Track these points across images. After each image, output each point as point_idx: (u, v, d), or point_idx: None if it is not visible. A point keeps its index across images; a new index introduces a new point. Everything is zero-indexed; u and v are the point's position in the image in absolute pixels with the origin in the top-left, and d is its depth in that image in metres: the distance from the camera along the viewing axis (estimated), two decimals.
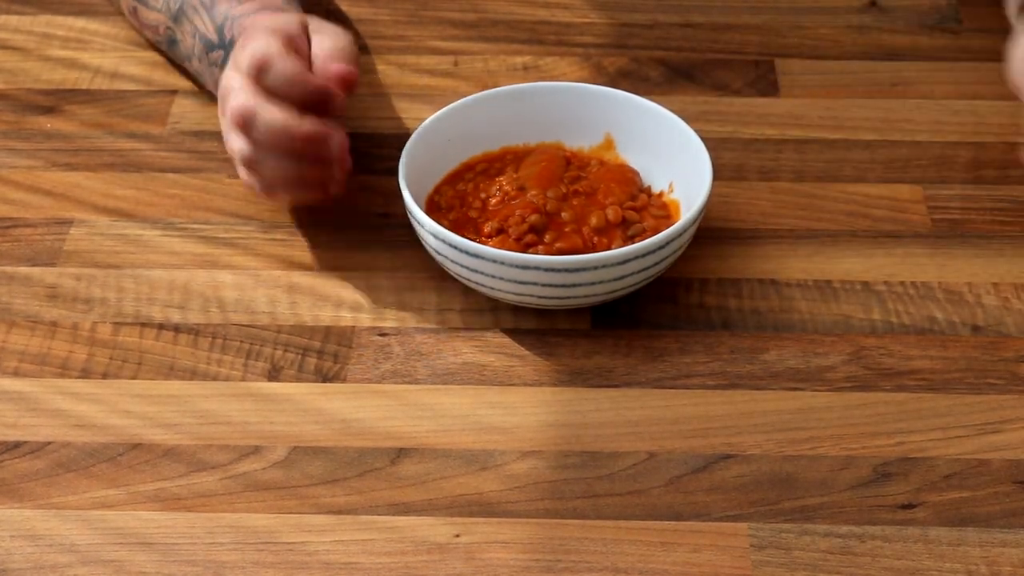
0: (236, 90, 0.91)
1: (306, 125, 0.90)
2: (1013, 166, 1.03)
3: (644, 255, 0.88)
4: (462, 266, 0.89)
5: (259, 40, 0.92)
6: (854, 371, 0.89)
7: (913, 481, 0.83)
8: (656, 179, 0.98)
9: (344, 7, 1.18)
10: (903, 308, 0.93)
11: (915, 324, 0.92)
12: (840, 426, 0.86)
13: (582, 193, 0.95)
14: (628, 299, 0.94)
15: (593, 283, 0.88)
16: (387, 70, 1.12)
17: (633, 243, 0.90)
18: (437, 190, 0.97)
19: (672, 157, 0.96)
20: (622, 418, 0.87)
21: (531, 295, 0.89)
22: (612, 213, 0.93)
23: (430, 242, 0.90)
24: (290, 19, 0.96)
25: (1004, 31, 1.14)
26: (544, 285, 0.88)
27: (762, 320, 0.93)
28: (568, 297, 0.89)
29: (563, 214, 0.93)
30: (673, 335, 0.92)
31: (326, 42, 0.95)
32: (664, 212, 0.95)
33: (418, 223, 0.91)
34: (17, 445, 0.86)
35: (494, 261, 0.87)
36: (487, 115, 0.99)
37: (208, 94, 1.07)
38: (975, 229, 0.98)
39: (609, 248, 0.91)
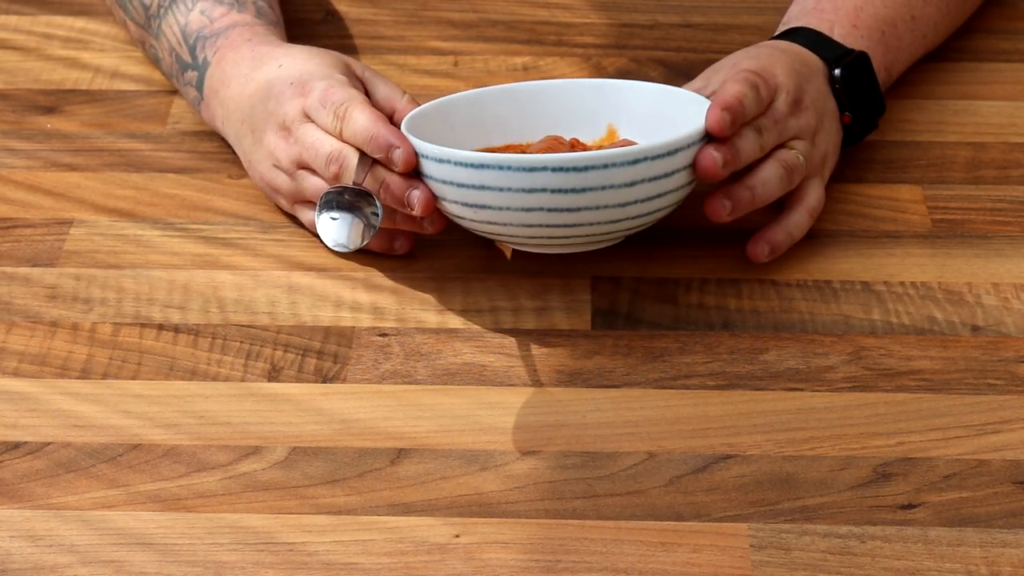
0: (321, 147, 0.92)
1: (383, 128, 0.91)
2: (1013, 166, 1.03)
3: (659, 155, 0.87)
4: (466, 187, 0.88)
5: (333, 91, 0.92)
6: (854, 371, 0.89)
7: (913, 481, 0.83)
8: None
9: (344, 7, 1.19)
10: (903, 308, 0.93)
11: (915, 324, 0.92)
12: (840, 426, 0.86)
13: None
14: (628, 299, 0.94)
15: (605, 187, 0.87)
16: (387, 70, 1.12)
17: None
18: None
19: (678, 122, 0.94)
20: (622, 418, 0.87)
21: (539, 222, 0.88)
22: None
23: (432, 171, 0.89)
24: (329, 57, 0.96)
25: (1004, 31, 1.15)
26: (554, 194, 0.87)
27: (762, 320, 0.93)
28: (577, 223, 0.89)
29: None
30: (673, 335, 0.92)
31: (390, 90, 0.96)
32: None
33: (420, 154, 0.90)
34: (17, 445, 0.86)
35: (500, 167, 0.86)
36: (487, 111, 0.98)
37: None
38: (975, 229, 0.98)
39: None
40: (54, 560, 0.80)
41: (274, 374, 0.90)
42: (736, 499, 0.82)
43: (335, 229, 0.88)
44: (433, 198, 0.91)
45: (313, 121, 0.93)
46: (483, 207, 0.89)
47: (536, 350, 0.91)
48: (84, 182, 1.03)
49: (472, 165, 0.87)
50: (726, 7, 1.19)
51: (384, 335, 0.92)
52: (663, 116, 0.96)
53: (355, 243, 0.89)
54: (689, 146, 0.89)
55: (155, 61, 1.09)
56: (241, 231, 0.99)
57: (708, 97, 0.94)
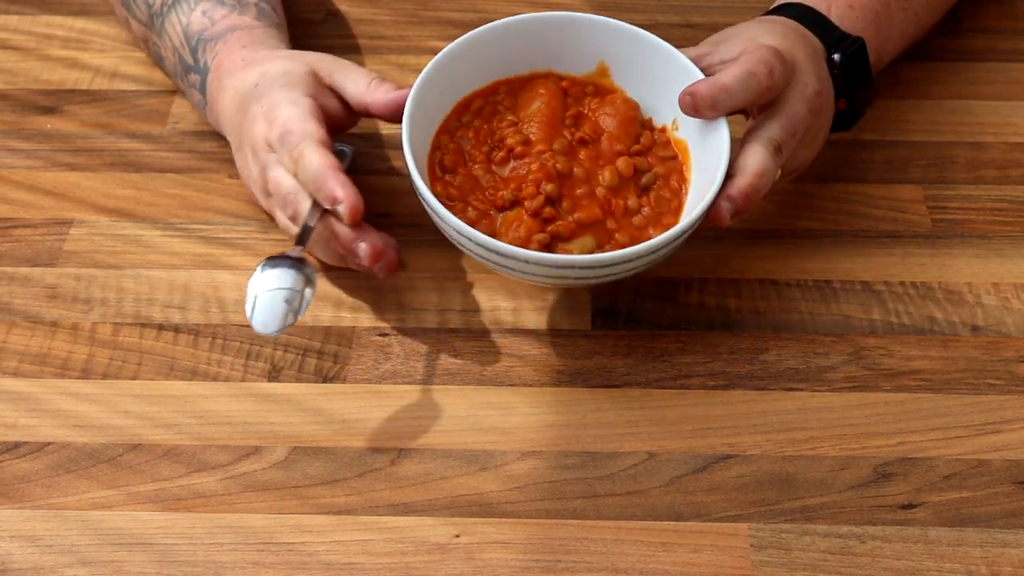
0: (283, 188, 0.91)
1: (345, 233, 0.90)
2: (1013, 166, 1.03)
3: (669, 243, 0.85)
4: (485, 259, 0.86)
5: (291, 130, 0.91)
6: (854, 371, 0.89)
7: (913, 481, 0.83)
8: (657, 112, 0.95)
9: (344, 7, 1.18)
10: (903, 308, 0.93)
11: (915, 324, 0.92)
12: (840, 426, 0.86)
13: (588, 141, 0.92)
14: (628, 299, 0.94)
15: (617, 274, 0.86)
16: (387, 70, 1.12)
17: (648, 195, 0.90)
18: (436, 144, 0.93)
19: (672, 91, 0.92)
20: (622, 418, 0.87)
21: (558, 283, 0.88)
22: (623, 166, 0.91)
23: (452, 236, 0.87)
24: (296, 74, 0.95)
25: (1004, 31, 1.15)
26: (574, 279, 0.86)
27: (762, 320, 0.93)
28: (589, 282, 0.88)
29: (575, 170, 0.90)
30: (673, 335, 0.92)
31: (359, 79, 0.95)
32: (671, 152, 0.93)
33: (441, 219, 0.86)
34: (17, 445, 0.86)
35: (526, 261, 0.84)
36: (475, 57, 0.94)
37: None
38: (975, 229, 0.98)
39: (626, 205, 0.89)
40: (54, 560, 0.80)
41: (274, 374, 0.90)
42: (736, 499, 0.82)
43: (258, 313, 0.86)
44: (381, 251, 0.90)
45: (276, 153, 0.93)
46: (496, 265, 0.86)
47: (536, 350, 0.91)
48: (84, 182, 1.03)
49: (486, 247, 0.84)
50: (726, 7, 1.19)
51: (384, 335, 0.92)
52: (656, 73, 0.93)
53: (271, 328, 0.85)
54: (701, 217, 0.87)
55: (158, 59, 1.08)
56: (241, 231, 0.99)
57: (705, 70, 0.92)
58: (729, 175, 0.88)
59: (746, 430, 0.86)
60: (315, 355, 0.91)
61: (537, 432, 0.86)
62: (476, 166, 0.92)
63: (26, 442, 0.86)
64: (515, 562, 0.80)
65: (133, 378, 0.90)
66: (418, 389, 0.89)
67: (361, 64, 1.12)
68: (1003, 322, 0.92)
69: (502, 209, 0.90)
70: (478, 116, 0.95)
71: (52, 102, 1.10)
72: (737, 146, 0.90)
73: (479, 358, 0.91)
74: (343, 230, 0.90)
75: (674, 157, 0.93)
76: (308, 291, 0.87)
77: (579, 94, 0.96)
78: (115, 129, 1.07)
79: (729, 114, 0.90)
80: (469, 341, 0.92)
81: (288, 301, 0.86)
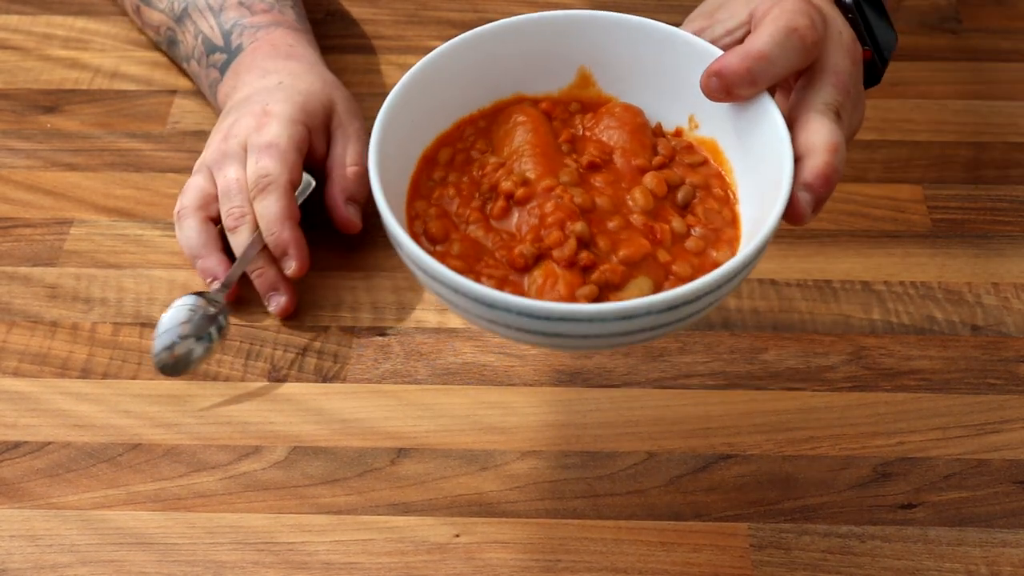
0: (233, 193, 0.93)
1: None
2: (1013, 166, 1.03)
3: (756, 256, 0.68)
4: (535, 332, 0.67)
5: (272, 155, 0.92)
6: (854, 371, 0.89)
7: (913, 481, 0.83)
8: (664, 115, 0.78)
9: (344, 7, 1.18)
10: (903, 308, 0.93)
11: (915, 324, 0.92)
12: (840, 426, 0.86)
13: (600, 163, 0.74)
14: None
15: (702, 311, 0.68)
16: (387, 70, 1.12)
17: (693, 212, 0.73)
18: (412, 212, 0.74)
19: (682, 82, 0.75)
20: (622, 418, 0.87)
21: (632, 340, 0.69)
22: (655, 185, 0.74)
23: (478, 313, 0.67)
24: (315, 101, 0.96)
25: (1004, 31, 1.15)
26: (652, 328, 0.67)
27: (762, 320, 0.93)
28: (670, 328, 0.68)
29: (597, 200, 0.73)
30: (673, 335, 0.92)
31: (349, 152, 0.96)
32: (699, 157, 0.76)
33: (460, 293, 0.67)
34: (17, 445, 0.86)
35: (602, 320, 0.65)
36: (422, 99, 0.75)
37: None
38: (975, 229, 0.98)
39: (672, 229, 0.72)
40: (54, 560, 0.80)
41: (274, 374, 0.90)
42: (736, 499, 0.82)
43: (162, 346, 0.88)
44: (292, 307, 0.92)
45: (245, 156, 0.94)
46: (548, 337, 0.67)
47: (536, 350, 0.91)
48: (84, 182, 1.03)
49: (476, 299, 0.66)
50: None
51: (384, 335, 0.92)
52: (654, 70, 0.76)
53: (174, 368, 0.88)
54: (748, 266, 0.68)
55: (168, 43, 1.08)
56: None
57: (714, 42, 0.76)
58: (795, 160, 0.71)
59: (746, 430, 0.86)
60: (315, 355, 0.91)
61: (537, 432, 0.86)
62: (471, 227, 0.73)
63: (26, 442, 0.86)
64: (515, 562, 0.80)
65: (133, 378, 0.90)
66: (418, 389, 0.89)
67: (362, 64, 1.12)
68: (1003, 322, 0.92)
69: (524, 269, 0.71)
70: (451, 168, 0.76)
71: (52, 102, 1.10)
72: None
73: (479, 358, 0.91)
74: (270, 275, 0.93)
75: (704, 162, 0.76)
76: (211, 318, 0.90)
77: (564, 114, 0.78)
78: (115, 129, 1.07)
79: (771, 87, 0.73)
80: (469, 341, 0.92)
81: (192, 310, 0.89)
